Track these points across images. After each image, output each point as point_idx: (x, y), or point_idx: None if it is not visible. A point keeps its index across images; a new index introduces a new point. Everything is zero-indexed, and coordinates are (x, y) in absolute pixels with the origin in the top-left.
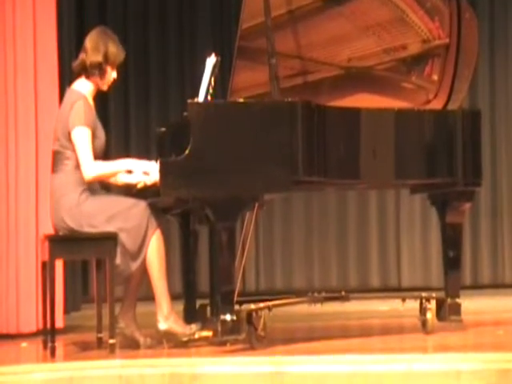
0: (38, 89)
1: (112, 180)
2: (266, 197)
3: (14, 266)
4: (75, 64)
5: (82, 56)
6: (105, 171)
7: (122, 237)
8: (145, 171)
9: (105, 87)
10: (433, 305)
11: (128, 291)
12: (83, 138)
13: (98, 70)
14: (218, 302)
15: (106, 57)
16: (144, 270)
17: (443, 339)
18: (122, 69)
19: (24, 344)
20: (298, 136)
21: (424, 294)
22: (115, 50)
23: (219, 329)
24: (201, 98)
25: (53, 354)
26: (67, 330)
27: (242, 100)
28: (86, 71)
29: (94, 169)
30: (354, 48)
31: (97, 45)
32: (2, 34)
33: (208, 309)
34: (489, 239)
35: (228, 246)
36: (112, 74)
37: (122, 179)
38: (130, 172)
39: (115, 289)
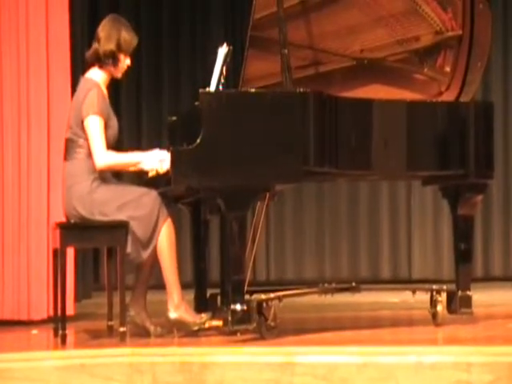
0: (50, 77)
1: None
2: (278, 187)
3: (25, 253)
4: (89, 54)
5: (95, 45)
6: (116, 161)
7: (133, 225)
8: (160, 159)
9: (119, 75)
10: (443, 297)
11: (139, 280)
12: (96, 127)
13: (112, 58)
14: (228, 292)
15: (118, 44)
16: (155, 259)
17: (453, 332)
18: (134, 58)
19: (35, 331)
20: (310, 127)
21: (435, 287)
22: (128, 37)
23: (229, 318)
24: (212, 88)
25: (63, 341)
26: (78, 317)
27: (253, 90)
28: (99, 61)
29: (105, 158)
30: (367, 39)
31: (109, 33)
32: (14, 23)
33: (218, 298)
34: (500, 232)
35: (239, 236)
36: (126, 62)
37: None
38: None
39: (126, 277)
